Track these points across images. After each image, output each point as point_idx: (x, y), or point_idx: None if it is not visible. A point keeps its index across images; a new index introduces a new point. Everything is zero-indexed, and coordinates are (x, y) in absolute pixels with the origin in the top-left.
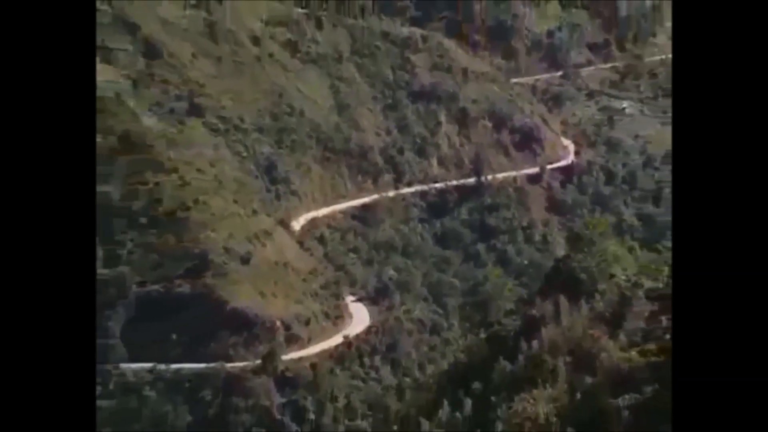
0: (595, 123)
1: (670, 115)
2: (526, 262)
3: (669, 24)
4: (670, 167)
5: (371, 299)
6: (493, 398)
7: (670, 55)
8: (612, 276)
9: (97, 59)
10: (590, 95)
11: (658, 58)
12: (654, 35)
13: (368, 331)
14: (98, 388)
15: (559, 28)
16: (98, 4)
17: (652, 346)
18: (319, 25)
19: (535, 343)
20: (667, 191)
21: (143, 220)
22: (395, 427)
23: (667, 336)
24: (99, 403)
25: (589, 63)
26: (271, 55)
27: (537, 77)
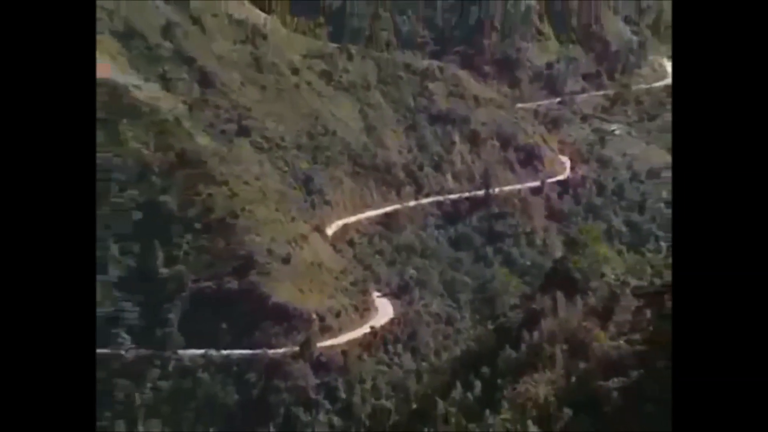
0: (588, 143)
1: (654, 135)
2: (528, 262)
3: (652, 57)
4: (654, 181)
5: (394, 295)
6: (499, 381)
7: (653, 84)
8: (603, 275)
9: (158, 87)
10: (584, 119)
11: (643, 86)
12: (639, 67)
13: (391, 322)
14: (158, 371)
15: (557, 61)
16: (158, 40)
17: (637, 336)
18: (349, 58)
19: (535, 334)
20: (651, 201)
21: (197, 225)
22: (414, 406)
23: (651, 327)
24: (159, 383)
25: (583, 91)
26: (308, 84)
27: (538, 103)
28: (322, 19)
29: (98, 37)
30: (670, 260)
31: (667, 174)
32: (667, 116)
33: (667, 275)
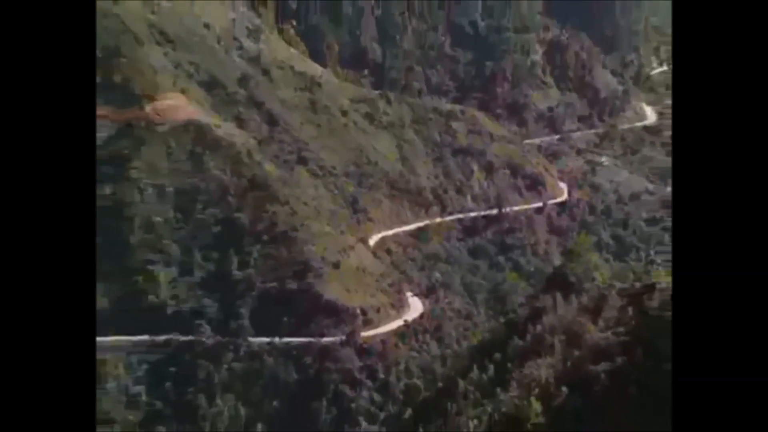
0: (582, 172)
1: (635, 166)
2: (532, 268)
3: (633, 102)
4: (635, 203)
5: (423, 294)
6: (509, 365)
7: (635, 124)
8: (593, 279)
9: (234, 126)
10: (579, 152)
11: (627, 126)
12: (624, 110)
13: (421, 317)
14: (232, 355)
15: (557, 105)
16: (235, 88)
17: (621, 329)
18: (388, 102)
19: (538, 326)
20: (633, 220)
21: (265, 237)
22: (440, 384)
23: (633, 322)
24: (233, 365)
25: (578, 129)
26: (354, 123)
27: (541, 139)
28: (366, 72)
29: (188, 87)
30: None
31: (647, 197)
32: (646, 150)
33: (647, 279)
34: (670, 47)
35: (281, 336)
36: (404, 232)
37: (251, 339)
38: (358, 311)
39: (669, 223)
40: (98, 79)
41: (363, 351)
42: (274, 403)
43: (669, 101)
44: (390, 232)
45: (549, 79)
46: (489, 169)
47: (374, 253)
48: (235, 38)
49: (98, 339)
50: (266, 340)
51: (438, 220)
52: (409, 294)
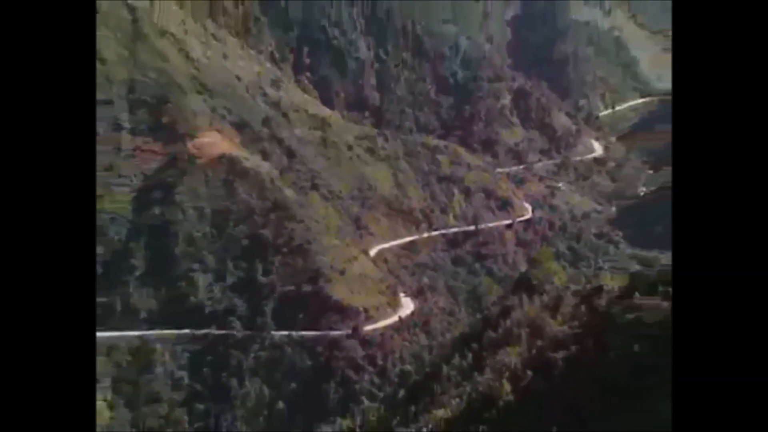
0: (543, 195)
1: (586, 190)
2: (503, 274)
3: (584, 139)
4: (586, 220)
5: (414, 295)
6: (484, 353)
7: (585, 157)
8: (552, 282)
9: (260, 158)
10: (540, 179)
11: (578, 158)
12: (576, 146)
13: (412, 314)
14: (258, 346)
15: (522, 141)
16: (260, 128)
17: (575, 323)
18: (386, 139)
19: (508, 321)
20: (585, 234)
21: (284, 249)
22: (428, 369)
23: (585, 318)
24: (258, 354)
25: (540, 160)
26: (357, 156)
27: (509, 169)
28: (366, 114)
29: (222, 127)
30: (597, 272)
31: (595, 215)
32: (595, 177)
33: (596, 282)
34: (615, 93)
35: (297, 330)
36: (398, 244)
37: (273, 332)
38: (361, 309)
39: (614, 236)
40: (150, 121)
41: (365, 342)
42: (292, 385)
43: (613, 138)
44: (387, 245)
45: (515, 120)
46: (467, 193)
47: (374, 262)
48: (260, 87)
49: (149, 332)
50: (285, 333)
51: (426, 234)
52: (402, 295)
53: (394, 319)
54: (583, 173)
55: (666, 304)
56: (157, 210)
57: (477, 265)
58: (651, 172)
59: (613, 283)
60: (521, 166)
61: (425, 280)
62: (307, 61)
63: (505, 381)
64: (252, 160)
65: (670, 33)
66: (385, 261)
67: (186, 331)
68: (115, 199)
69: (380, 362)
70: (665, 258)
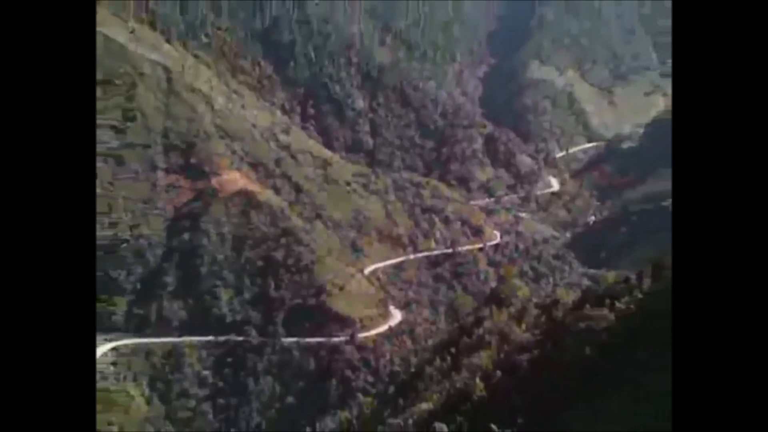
0: (509, 223)
1: (544, 219)
2: (476, 289)
3: (543, 176)
4: (545, 244)
5: (402, 307)
6: (460, 356)
7: (544, 191)
8: (517, 296)
9: (272, 193)
10: (507, 210)
11: (539, 192)
12: (537, 182)
13: (401, 323)
14: (270, 350)
15: (493, 178)
16: (273, 167)
17: (537, 331)
18: (377, 176)
19: (481, 329)
20: (544, 256)
21: (293, 269)
22: (413, 370)
23: (545, 326)
24: (271, 357)
25: (507, 194)
26: (354, 191)
27: (482, 201)
28: (362, 155)
29: (241, 166)
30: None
31: (553, 241)
32: (552, 208)
33: (553, 296)
34: (568, 139)
35: (304, 337)
36: (388, 264)
37: (283, 339)
38: (357, 320)
39: (569, 258)
40: (181, 162)
41: (360, 347)
42: (300, 383)
43: (567, 175)
44: (379, 265)
45: (486, 160)
46: (446, 222)
47: (368, 279)
48: (273, 133)
49: (180, 339)
50: (293, 339)
51: (412, 256)
52: (392, 307)
53: (385, 327)
54: (543, 205)
55: (611, 315)
56: (186, 236)
57: (454, 282)
58: (598, 203)
59: (567, 297)
60: (491, 199)
61: (411, 294)
62: (312, 111)
63: (478, 380)
64: (265, 194)
65: (612, 89)
66: (378, 278)
67: (210, 337)
68: (151, 227)
69: (373, 364)
70: (612, 276)
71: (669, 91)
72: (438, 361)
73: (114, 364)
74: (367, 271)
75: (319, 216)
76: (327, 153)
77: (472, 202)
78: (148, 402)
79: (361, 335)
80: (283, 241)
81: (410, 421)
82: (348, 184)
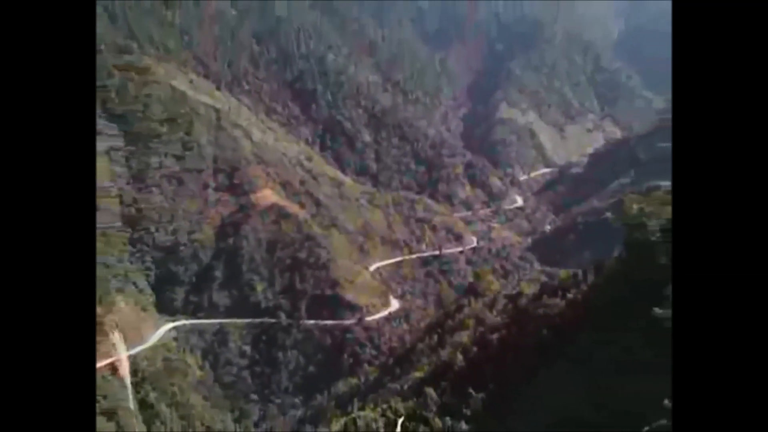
0: (484, 231)
1: (512, 228)
2: (458, 283)
3: (511, 196)
4: (512, 247)
5: (399, 297)
6: (445, 335)
7: (512, 206)
8: (491, 289)
9: (297, 206)
10: (482, 221)
11: (507, 207)
12: (504, 199)
13: (398, 310)
14: (295, 330)
15: (470, 196)
16: (298, 187)
17: (505, 315)
18: (381, 194)
19: (461, 315)
20: (512, 256)
21: (314, 266)
22: (408, 346)
23: (512, 312)
24: (296, 335)
25: (481, 208)
26: (362, 205)
27: (462, 214)
28: (368, 177)
29: (273, 186)
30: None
31: (517, 245)
32: (517, 220)
33: (518, 289)
34: (529, 166)
35: (322, 320)
36: (389, 263)
37: (306, 321)
38: (364, 307)
39: (530, 258)
40: (227, 182)
41: (366, 328)
42: (319, 355)
43: (529, 194)
44: (382, 263)
45: (466, 182)
46: (434, 230)
47: (372, 275)
48: (299, 160)
49: (226, 320)
50: (314, 322)
51: (407, 257)
52: (391, 297)
53: (386, 313)
54: (510, 217)
55: (563, 303)
56: (230, 240)
57: (441, 278)
58: (553, 216)
59: (529, 289)
60: (470, 212)
61: (407, 287)
62: (329, 143)
63: (459, 354)
64: (292, 208)
65: (564, 127)
66: (380, 274)
67: (249, 320)
68: (203, 233)
69: (376, 341)
70: (564, 273)
71: (607, 128)
72: (427, 340)
73: (175, 339)
74: (372, 268)
75: (334, 225)
76: (341, 176)
77: (455, 215)
78: (201, 369)
79: (367, 319)
80: (306, 244)
81: (405, 387)
82: (357, 200)
